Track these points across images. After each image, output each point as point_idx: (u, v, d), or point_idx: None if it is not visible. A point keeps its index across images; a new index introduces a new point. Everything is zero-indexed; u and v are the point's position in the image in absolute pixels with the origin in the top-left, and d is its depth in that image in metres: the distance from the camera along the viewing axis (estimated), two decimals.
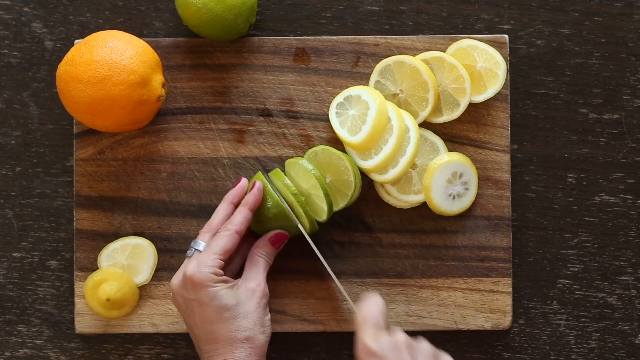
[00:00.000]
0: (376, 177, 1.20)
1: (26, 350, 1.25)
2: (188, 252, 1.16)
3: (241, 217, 1.16)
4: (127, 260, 1.22)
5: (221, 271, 1.14)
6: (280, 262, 1.22)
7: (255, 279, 1.16)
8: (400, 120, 1.18)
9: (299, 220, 1.17)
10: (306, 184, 1.18)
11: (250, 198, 1.17)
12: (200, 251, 1.15)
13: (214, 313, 1.12)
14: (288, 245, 1.21)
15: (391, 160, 1.19)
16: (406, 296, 1.22)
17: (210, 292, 1.13)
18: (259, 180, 1.18)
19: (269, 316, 1.16)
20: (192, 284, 1.13)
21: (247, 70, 1.23)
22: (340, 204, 1.20)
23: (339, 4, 1.26)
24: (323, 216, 1.18)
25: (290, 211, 1.17)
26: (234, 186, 1.20)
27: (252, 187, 1.18)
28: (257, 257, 1.18)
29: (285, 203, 1.17)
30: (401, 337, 1.08)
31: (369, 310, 1.09)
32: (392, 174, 1.19)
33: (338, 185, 1.20)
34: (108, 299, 1.20)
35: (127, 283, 1.21)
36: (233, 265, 1.20)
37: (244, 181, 1.20)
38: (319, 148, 1.20)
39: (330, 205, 1.18)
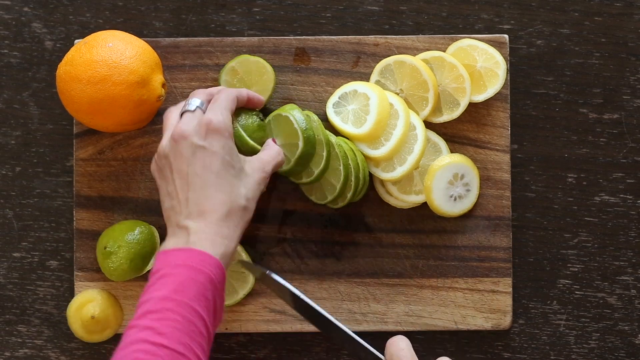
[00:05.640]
0: (382, 175, 1.20)
1: (26, 350, 1.25)
2: (188, 106, 1.12)
3: (240, 90, 1.16)
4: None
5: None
6: (280, 262, 1.22)
7: (259, 159, 1.14)
8: (403, 103, 1.19)
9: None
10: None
11: (244, 93, 1.17)
12: (202, 109, 1.12)
13: (221, 165, 1.09)
14: (286, 246, 1.21)
15: (403, 145, 1.19)
16: (406, 296, 1.22)
17: (226, 142, 1.10)
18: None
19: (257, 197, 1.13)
20: (210, 129, 1.09)
21: None
22: (347, 194, 1.20)
23: (339, 4, 1.26)
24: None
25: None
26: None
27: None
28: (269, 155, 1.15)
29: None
30: None
31: (401, 347, 1.05)
32: (399, 171, 1.19)
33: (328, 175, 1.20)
34: (93, 317, 1.19)
35: (112, 305, 1.21)
36: None
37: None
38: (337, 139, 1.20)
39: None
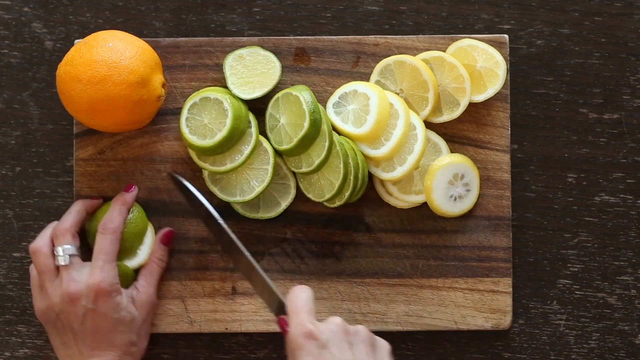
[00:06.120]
0: (383, 175, 1.20)
1: (26, 350, 1.25)
2: (61, 260, 1.16)
3: (120, 217, 1.18)
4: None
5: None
6: (280, 262, 1.22)
7: (147, 292, 1.18)
8: (403, 103, 1.19)
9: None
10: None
11: (128, 197, 1.20)
12: (76, 255, 1.16)
13: (111, 324, 1.15)
14: (286, 246, 1.22)
15: (403, 145, 1.19)
16: (406, 296, 1.22)
17: (114, 302, 1.15)
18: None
19: (149, 325, 1.20)
20: (98, 293, 1.14)
21: None
22: (345, 195, 1.20)
23: (339, 4, 1.26)
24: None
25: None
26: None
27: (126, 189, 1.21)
28: (153, 265, 1.20)
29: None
30: (338, 320, 1.09)
31: (301, 297, 1.10)
32: (399, 171, 1.19)
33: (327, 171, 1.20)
34: None
35: None
36: None
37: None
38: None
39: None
